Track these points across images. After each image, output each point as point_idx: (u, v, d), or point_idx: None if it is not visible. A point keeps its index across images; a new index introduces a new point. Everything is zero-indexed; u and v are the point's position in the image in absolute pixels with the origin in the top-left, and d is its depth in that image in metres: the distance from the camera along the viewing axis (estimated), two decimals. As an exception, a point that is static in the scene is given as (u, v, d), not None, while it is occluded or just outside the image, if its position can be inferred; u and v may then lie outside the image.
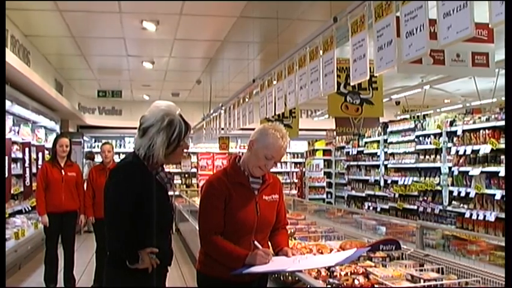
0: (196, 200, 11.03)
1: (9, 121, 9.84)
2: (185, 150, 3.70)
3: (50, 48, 11.65)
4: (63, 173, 8.25)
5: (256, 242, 3.66)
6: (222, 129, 11.19)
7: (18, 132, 10.67)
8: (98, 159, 13.78)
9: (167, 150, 3.52)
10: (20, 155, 10.48)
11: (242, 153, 3.95)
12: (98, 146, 20.49)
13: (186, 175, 19.89)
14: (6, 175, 8.99)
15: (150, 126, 3.49)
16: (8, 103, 9.64)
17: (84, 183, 8.77)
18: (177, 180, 19.81)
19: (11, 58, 8.68)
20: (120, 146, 20.01)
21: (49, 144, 12.71)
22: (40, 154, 11.68)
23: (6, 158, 9.21)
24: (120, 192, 3.45)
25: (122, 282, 3.41)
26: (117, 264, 3.44)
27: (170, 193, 3.88)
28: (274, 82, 6.67)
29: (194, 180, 19.04)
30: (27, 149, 10.65)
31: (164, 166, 3.71)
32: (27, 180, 10.54)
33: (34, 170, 11.15)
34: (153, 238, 3.45)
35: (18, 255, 9.31)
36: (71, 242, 8.43)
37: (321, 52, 4.89)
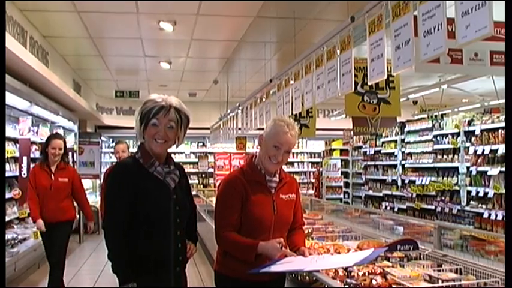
0: (214, 200, 11.04)
1: (28, 121, 9.91)
2: (158, 140, 3.40)
3: (68, 49, 11.72)
4: (53, 178, 7.30)
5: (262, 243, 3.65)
6: (239, 129, 11.20)
7: (37, 133, 10.74)
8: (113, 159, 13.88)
9: (141, 129, 3.47)
10: (38, 155, 10.54)
11: (254, 152, 3.95)
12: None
13: (203, 175, 19.92)
14: (25, 175, 9.04)
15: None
16: (26, 104, 9.71)
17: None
18: (194, 180, 19.84)
19: (30, 59, 8.74)
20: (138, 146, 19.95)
21: (68, 144, 12.79)
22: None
23: (25, 158, 9.28)
24: (114, 195, 3.41)
25: (138, 282, 3.35)
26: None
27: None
28: (291, 82, 6.66)
29: (211, 180, 19.07)
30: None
31: (169, 160, 3.60)
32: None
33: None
34: (153, 238, 3.39)
35: (38, 254, 9.24)
36: (58, 256, 7.28)
37: (338, 52, 4.89)
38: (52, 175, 7.32)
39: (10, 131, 9.42)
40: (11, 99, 8.83)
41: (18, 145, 9.50)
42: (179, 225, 3.49)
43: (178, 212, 3.48)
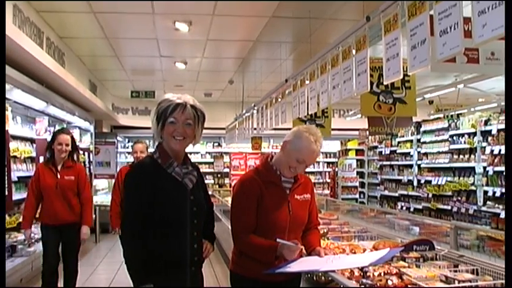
0: (229, 200, 11.05)
1: (44, 121, 9.97)
2: (177, 137, 3.37)
3: (84, 50, 11.78)
4: (59, 176, 6.85)
5: (278, 239, 3.64)
6: (255, 129, 11.20)
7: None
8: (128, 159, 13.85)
9: (158, 129, 3.44)
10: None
11: (275, 153, 3.93)
12: (131, 146, 20.67)
13: (219, 175, 19.93)
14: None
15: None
16: (43, 104, 9.77)
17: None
18: (210, 180, 19.87)
19: (46, 60, 8.79)
20: (153, 146, 20.02)
21: (84, 144, 12.86)
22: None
23: (42, 158, 9.31)
24: (132, 195, 3.37)
25: (154, 282, 3.30)
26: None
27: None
28: (307, 82, 6.65)
29: (227, 180, 19.08)
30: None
31: (187, 161, 3.55)
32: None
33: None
34: (170, 238, 3.34)
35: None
36: (74, 257, 7.06)
37: (354, 51, 4.87)
38: (58, 174, 6.86)
39: (27, 131, 9.48)
40: (27, 99, 8.90)
41: (34, 145, 9.54)
42: (196, 226, 3.44)
43: (196, 212, 3.43)
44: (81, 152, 12.02)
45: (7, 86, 7.78)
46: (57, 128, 10.91)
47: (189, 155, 3.62)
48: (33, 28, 8.48)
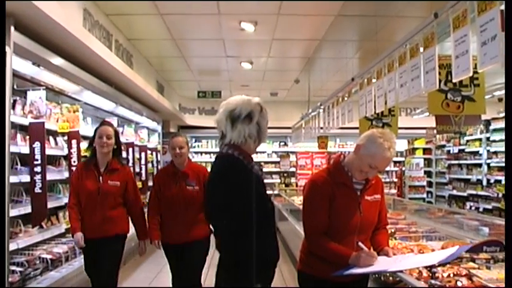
0: (296, 199, 11.05)
1: (113, 122, 10.17)
2: None
3: (151, 51, 11.95)
4: (101, 180, 5.77)
5: (360, 243, 3.63)
6: (321, 128, 11.15)
7: (122, 133, 10.97)
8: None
9: (258, 139, 3.46)
10: (124, 155, 10.77)
11: (341, 152, 3.91)
12: (198, 145, 20.87)
13: (285, 174, 19.90)
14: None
15: (245, 116, 3.43)
16: (112, 105, 9.98)
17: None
18: (276, 180, 19.88)
19: (115, 61, 8.95)
20: (219, 146, 20.15)
21: (152, 144, 13.05)
22: (143, 154, 11.98)
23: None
24: (238, 193, 3.27)
25: (231, 282, 3.29)
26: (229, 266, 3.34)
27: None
28: (374, 80, 6.60)
29: (293, 180, 19.07)
30: (130, 149, 10.94)
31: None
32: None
33: (137, 170, 11.49)
34: (262, 235, 3.25)
35: (124, 251, 9.38)
36: (112, 276, 5.87)
37: (422, 49, 4.81)
38: (100, 177, 5.79)
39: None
40: (97, 100, 9.09)
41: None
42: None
43: (273, 209, 3.52)
44: (148, 151, 12.27)
45: (77, 88, 7.97)
46: (126, 128, 11.13)
47: (255, 154, 3.63)
48: (102, 31, 8.66)
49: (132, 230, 6.13)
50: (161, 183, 6.09)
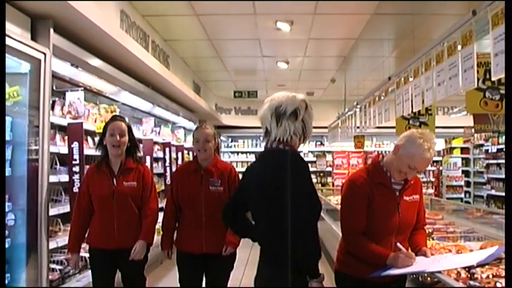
0: (332, 199, 11.00)
1: (151, 122, 10.26)
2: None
3: (187, 52, 12.02)
4: (115, 182, 5.04)
5: (398, 244, 3.62)
6: (358, 127, 11.10)
7: (159, 133, 11.04)
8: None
9: (303, 136, 3.46)
10: (160, 155, 10.83)
11: (379, 152, 3.89)
12: (234, 145, 20.92)
13: (321, 174, 19.86)
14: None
15: (291, 113, 3.40)
16: (149, 105, 10.05)
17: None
18: (313, 179, 19.80)
19: (152, 62, 9.01)
20: (256, 145, 20.43)
21: (188, 144, 13.11)
22: (180, 154, 12.03)
23: (148, 157, 9.56)
24: (307, 180, 3.39)
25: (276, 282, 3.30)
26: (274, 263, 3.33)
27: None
28: (411, 79, 6.53)
29: (329, 179, 19.01)
30: (167, 149, 10.98)
31: None
32: (168, 178, 10.77)
33: (174, 169, 11.55)
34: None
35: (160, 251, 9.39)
36: None
37: (460, 47, 4.75)
38: (114, 179, 5.06)
39: (134, 132, 9.72)
40: (134, 101, 9.17)
41: (141, 145, 9.81)
42: None
43: None
44: (185, 151, 12.32)
45: (115, 88, 8.04)
46: (163, 128, 11.18)
47: None
48: (139, 32, 8.73)
49: (156, 237, 5.29)
50: (179, 182, 5.13)
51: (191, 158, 5.81)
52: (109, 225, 4.96)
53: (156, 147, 10.76)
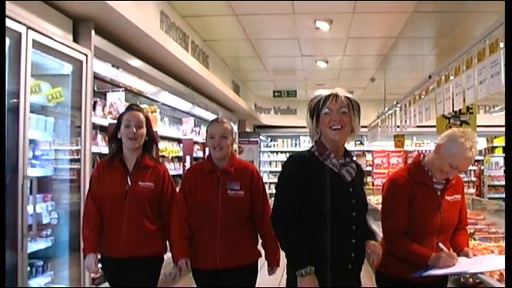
0: (372, 199, 10.95)
1: (190, 122, 10.33)
2: (333, 127, 3.20)
3: (227, 52, 12.07)
4: (129, 181, 4.35)
5: (441, 244, 3.59)
6: (398, 126, 11.02)
7: (198, 133, 11.09)
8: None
9: (313, 125, 3.32)
10: (200, 155, 10.88)
11: (420, 152, 3.86)
12: (274, 145, 20.91)
13: (361, 173, 19.72)
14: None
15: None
16: (189, 105, 10.12)
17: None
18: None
19: (192, 62, 9.07)
20: (295, 145, 20.35)
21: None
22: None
23: (188, 157, 9.61)
24: (285, 185, 3.32)
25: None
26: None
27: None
28: (452, 77, 6.46)
29: (369, 179, 18.90)
30: (207, 149, 11.03)
31: (347, 156, 3.38)
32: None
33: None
34: (323, 229, 3.19)
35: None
36: None
37: (502, 44, 4.69)
38: (128, 177, 4.37)
39: (174, 132, 9.83)
40: (174, 101, 9.24)
41: (181, 145, 9.88)
42: (355, 220, 3.30)
43: (355, 205, 3.31)
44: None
45: (155, 89, 8.12)
46: (202, 128, 11.19)
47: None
48: (179, 33, 8.79)
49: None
50: (192, 184, 4.34)
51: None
52: (121, 232, 4.26)
53: (196, 146, 10.82)
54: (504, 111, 2.42)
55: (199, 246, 4.22)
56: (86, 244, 4.29)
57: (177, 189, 4.54)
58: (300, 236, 3.20)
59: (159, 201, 4.44)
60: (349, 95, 3.32)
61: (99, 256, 4.36)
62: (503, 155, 17.23)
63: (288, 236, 3.25)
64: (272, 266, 4.40)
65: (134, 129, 4.31)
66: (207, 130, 4.55)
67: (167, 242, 4.49)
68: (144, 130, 4.41)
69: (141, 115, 4.42)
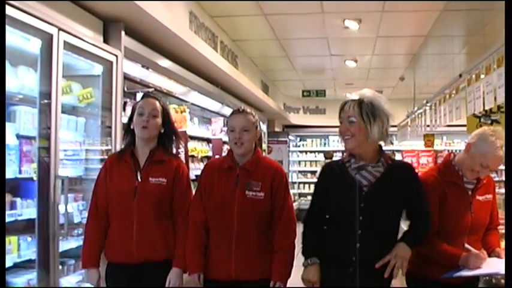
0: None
1: (220, 122, 10.32)
2: (344, 137, 3.33)
3: (255, 51, 12.08)
4: (139, 177, 3.87)
5: (467, 245, 3.57)
6: (427, 126, 10.95)
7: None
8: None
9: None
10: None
11: (450, 151, 3.85)
12: (303, 144, 20.85)
13: (389, 173, 19.62)
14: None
15: None
16: (218, 105, 10.14)
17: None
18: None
19: (221, 62, 9.10)
20: (325, 144, 20.30)
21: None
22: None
23: (218, 156, 9.63)
24: (316, 188, 3.62)
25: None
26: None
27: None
28: (482, 76, 6.40)
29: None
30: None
31: (359, 158, 3.36)
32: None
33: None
34: (330, 233, 3.41)
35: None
36: None
37: (534, 42, 4.63)
38: (138, 173, 3.89)
39: (203, 132, 9.86)
40: (204, 101, 9.26)
41: (211, 145, 9.91)
42: (362, 224, 3.27)
43: (363, 209, 3.26)
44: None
45: (184, 89, 8.14)
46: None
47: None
48: (207, 33, 8.81)
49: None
50: (208, 183, 3.86)
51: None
52: (129, 233, 3.80)
53: (225, 146, 10.83)
54: (504, 111, 2.41)
55: (212, 253, 3.75)
56: (85, 253, 3.90)
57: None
58: (315, 235, 3.44)
59: (172, 199, 3.93)
60: (366, 100, 3.38)
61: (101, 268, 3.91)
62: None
63: (305, 234, 3.50)
64: (276, 281, 3.65)
65: (147, 118, 3.83)
66: (227, 122, 4.12)
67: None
68: (159, 120, 3.92)
69: (157, 103, 3.95)
